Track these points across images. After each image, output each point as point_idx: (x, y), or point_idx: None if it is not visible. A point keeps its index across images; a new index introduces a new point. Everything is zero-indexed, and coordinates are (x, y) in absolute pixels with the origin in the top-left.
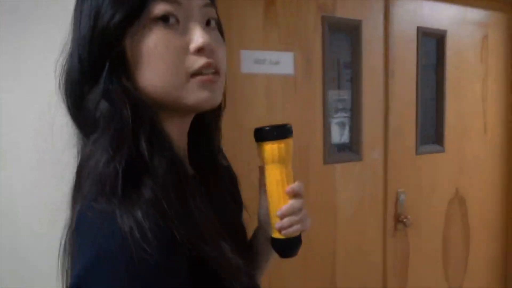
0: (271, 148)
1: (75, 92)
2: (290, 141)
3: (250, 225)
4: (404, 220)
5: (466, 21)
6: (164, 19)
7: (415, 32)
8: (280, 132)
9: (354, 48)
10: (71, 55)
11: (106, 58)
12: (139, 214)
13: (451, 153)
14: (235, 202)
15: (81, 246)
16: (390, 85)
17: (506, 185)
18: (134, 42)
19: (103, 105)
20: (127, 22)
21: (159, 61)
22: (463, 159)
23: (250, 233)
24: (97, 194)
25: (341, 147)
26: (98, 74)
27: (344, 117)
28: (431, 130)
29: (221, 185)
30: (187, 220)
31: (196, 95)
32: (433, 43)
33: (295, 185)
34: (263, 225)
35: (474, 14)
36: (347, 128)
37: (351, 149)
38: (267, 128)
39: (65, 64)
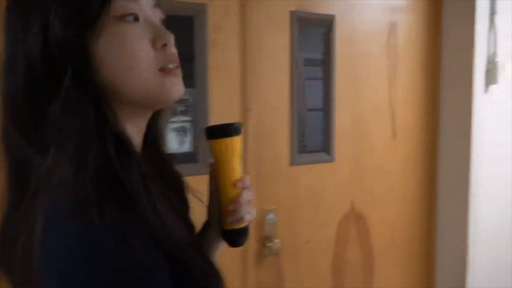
0: (221, 145)
1: (26, 107)
2: (238, 138)
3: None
4: (270, 244)
5: (365, 5)
6: (125, 16)
7: (287, 18)
8: (229, 130)
9: (196, 38)
10: (15, 67)
11: (66, 67)
12: (117, 222)
13: (344, 163)
14: (182, 199)
15: (55, 256)
16: (249, 84)
17: (421, 199)
18: (97, 42)
19: (67, 115)
20: (85, 26)
21: (129, 58)
22: (362, 169)
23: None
24: (70, 205)
25: (182, 158)
26: (56, 84)
27: (185, 121)
28: (318, 137)
29: (170, 181)
30: (160, 223)
31: (169, 89)
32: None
33: (244, 179)
34: (213, 218)
35: None
36: (189, 135)
37: (194, 160)
38: (216, 127)
39: (6, 78)
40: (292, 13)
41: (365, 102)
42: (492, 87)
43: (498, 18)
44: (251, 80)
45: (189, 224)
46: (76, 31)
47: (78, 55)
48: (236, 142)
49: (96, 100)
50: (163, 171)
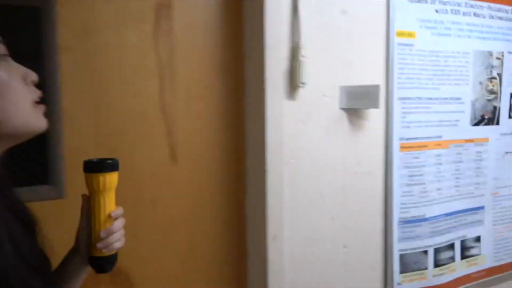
0: (98, 179)
1: None
2: (115, 174)
3: None
4: None
5: None
6: (2, 56)
7: None
8: (107, 166)
9: None
10: None
11: None
12: None
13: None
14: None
15: None
16: None
17: (224, 241)
18: None
19: None
20: None
21: (12, 91)
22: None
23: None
24: None
25: None
26: None
27: None
28: (35, 164)
29: (19, 212)
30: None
31: (41, 121)
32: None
33: (118, 210)
34: (82, 245)
35: None
36: None
37: None
38: (94, 161)
39: None
40: None
41: (121, 114)
42: (299, 91)
43: (305, 4)
44: None
45: (41, 255)
46: None
47: None
48: (113, 177)
49: None
50: (12, 202)
